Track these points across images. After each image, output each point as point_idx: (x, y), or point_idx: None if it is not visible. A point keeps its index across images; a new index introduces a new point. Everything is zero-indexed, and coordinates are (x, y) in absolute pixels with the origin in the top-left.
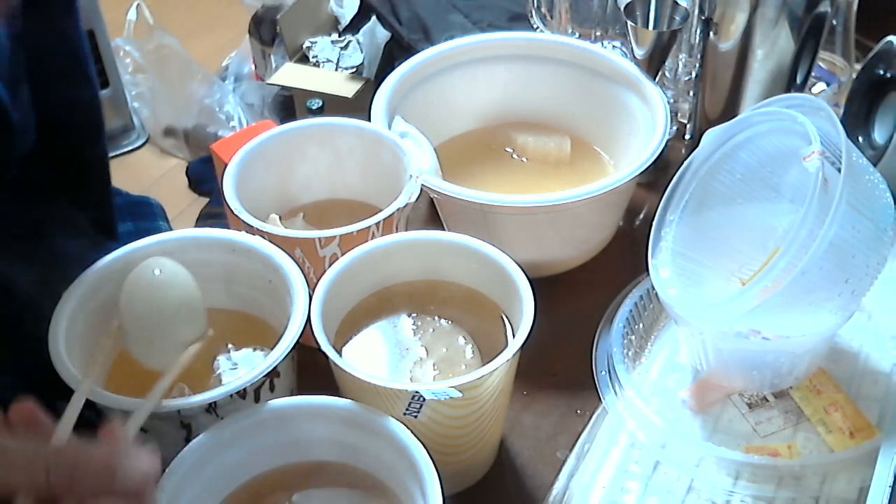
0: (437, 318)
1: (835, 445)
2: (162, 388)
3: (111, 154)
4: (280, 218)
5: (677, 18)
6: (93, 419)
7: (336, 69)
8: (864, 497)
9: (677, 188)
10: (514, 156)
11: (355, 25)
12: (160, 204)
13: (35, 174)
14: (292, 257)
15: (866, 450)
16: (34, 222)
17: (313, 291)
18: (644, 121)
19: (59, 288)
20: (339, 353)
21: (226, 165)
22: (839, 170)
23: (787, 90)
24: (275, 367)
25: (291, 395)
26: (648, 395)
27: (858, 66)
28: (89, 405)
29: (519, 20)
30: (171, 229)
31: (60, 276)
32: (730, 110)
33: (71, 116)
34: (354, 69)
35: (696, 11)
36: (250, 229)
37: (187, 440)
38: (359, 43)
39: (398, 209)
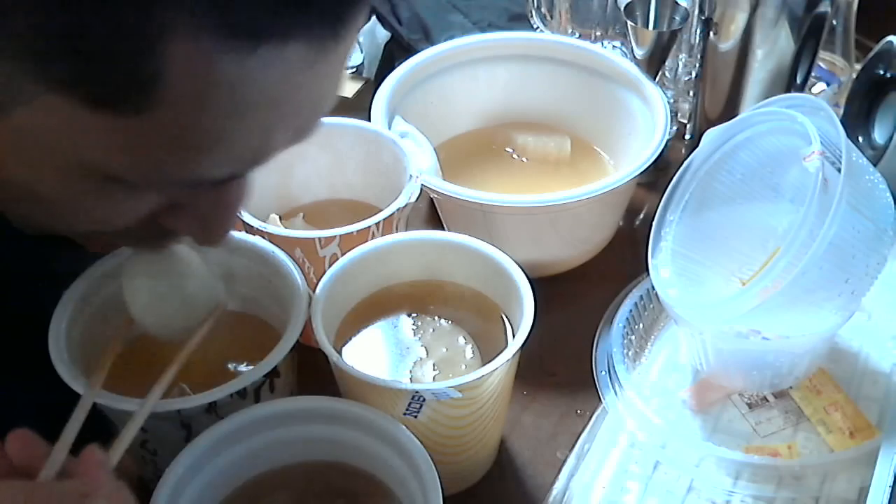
0: (437, 318)
1: (835, 445)
2: (170, 375)
3: None
4: (280, 218)
5: (677, 18)
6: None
7: None
8: (864, 497)
9: (677, 188)
10: (514, 156)
11: None
12: None
13: None
14: (292, 257)
15: (866, 450)
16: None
17: (313, 291)
18: (644, 121)
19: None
20: (339, 353)
21: None
22: (839, 170)
23: (787, 90)
24: (275, 367)
25: (291, 395)
26: (648, 395)
27: (858, 66)
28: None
29: (519, 20)
30: None
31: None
32: (730, 110)
33: None
34: (354, 69)
35: (696, 11)
36: (250, 229)
37: (187, 440)
38: (359, 43)
39: (398, 209)
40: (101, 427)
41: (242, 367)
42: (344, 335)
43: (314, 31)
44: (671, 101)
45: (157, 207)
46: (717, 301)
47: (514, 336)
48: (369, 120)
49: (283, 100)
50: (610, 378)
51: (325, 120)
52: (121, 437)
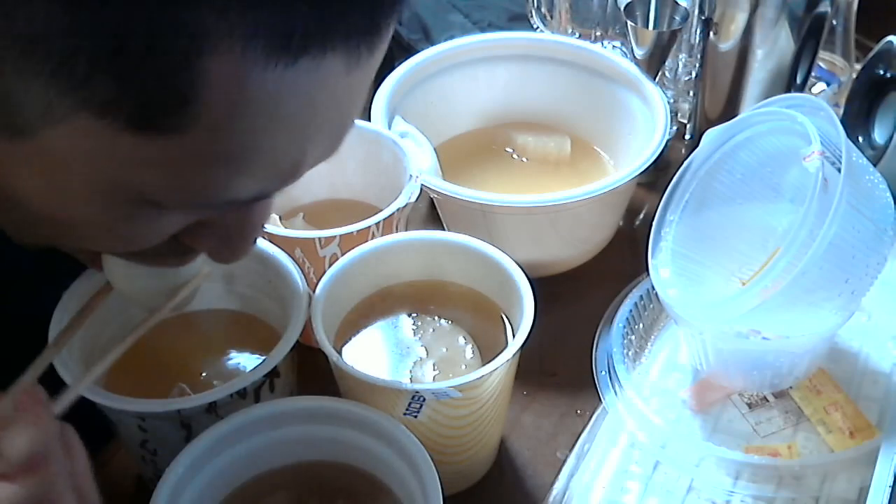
0: (437, 318)
1: (835, 445)
2: (139, 331)
3: None
4: (280, 218)
5: (677, 18)
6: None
7: None
8: (864, 497)
9: (677, 188)
10: (514, 156)
11: None
12: None
13: None
14: (292, 257)
15: (866, 450)
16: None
17: (313, 291)
18: (644, 121)
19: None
20: (339, 353)
21: None
22: (839, 170)
23: (787, 90)
24: (275, 367)
25: (291, 395)
26: (648, 395)
27: (858, 66)
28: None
29: (519, 20)
30: None
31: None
32: (730, 110)
33: None
34: None
35: (696, 11)
36: None
37: (187, 440)
38: None
39: (398, 209)
40: (101, 427)
41: (242, 367)
42: (344, 335)
43: (352, 41)
44: (671, 101)
45: (181, 228)
46: (717, 301)
47: (514, 336)
48: (369, 120)
49: (318, 112)
50: (610, 378)
51: None
52: (73, 387)
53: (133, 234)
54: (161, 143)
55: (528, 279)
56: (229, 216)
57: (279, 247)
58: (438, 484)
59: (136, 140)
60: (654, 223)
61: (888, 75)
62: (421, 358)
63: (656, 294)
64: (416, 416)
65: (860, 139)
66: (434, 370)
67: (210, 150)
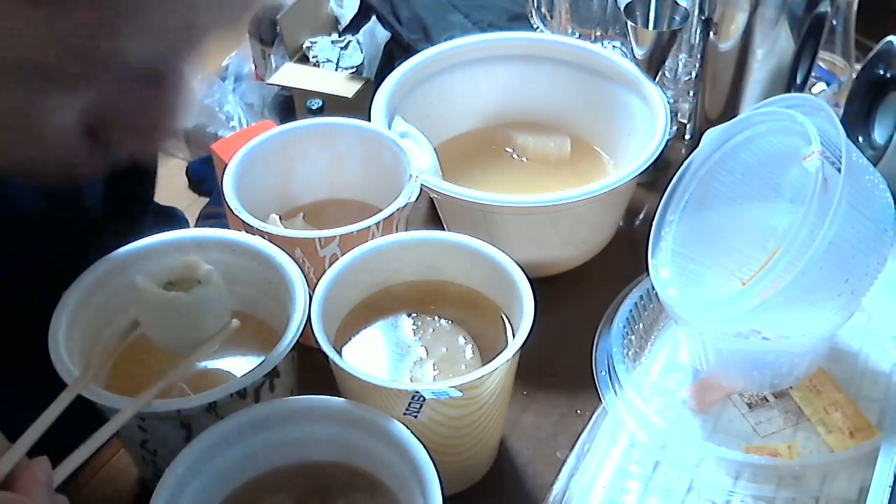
0: (437, 318)
1: (835, 445)
2: (159, 387)
3: None
4: (280, 218)
5: (677, 18)
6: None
7: (336, 69)
8: (864, 497)
9: (677, 188)
10: (514, 156)
11: (355, 25)
12: (184, 215)
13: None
14: (292, 257)
15: (866, 450)
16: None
17: (313, 291)
18: (644, 121)
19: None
20: (339, 353)
21: (226, 165)
22: (839, 170)
23: (787, 90)
24: (275, 367)
25: (291, 395)
26: (648, 395)
27: (858, 66)
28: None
29: (519, 20)
30: None
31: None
32: (730, 110)
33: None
34: (354, 69)
35: (696, 11)
36: (250, 229)
37: (187, 440)
38: (359, 43)
39: (398, 209)
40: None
41: (242, 367)
42: (344, 335)
43: None
44: (671, 101)
45: (90, 110)
46: (717, 301)
47: (514, 336)
48: (369, 120)
49: None
50: (610, 378)
51: (325, 120)
52: (74, 455)
53: (36, 121)
54: (48, 10)
55: (528, 279)
56: (136, 97)
57: (279, 247)
58: (438, 484)
59: (26, 9)
60: (654, 223)
61: (888, 75)
62: (421, 358)
63: (656, 294)
64: (416, 416)
65: (860, 139)
66: (434, 370)
67: (94, 10)
